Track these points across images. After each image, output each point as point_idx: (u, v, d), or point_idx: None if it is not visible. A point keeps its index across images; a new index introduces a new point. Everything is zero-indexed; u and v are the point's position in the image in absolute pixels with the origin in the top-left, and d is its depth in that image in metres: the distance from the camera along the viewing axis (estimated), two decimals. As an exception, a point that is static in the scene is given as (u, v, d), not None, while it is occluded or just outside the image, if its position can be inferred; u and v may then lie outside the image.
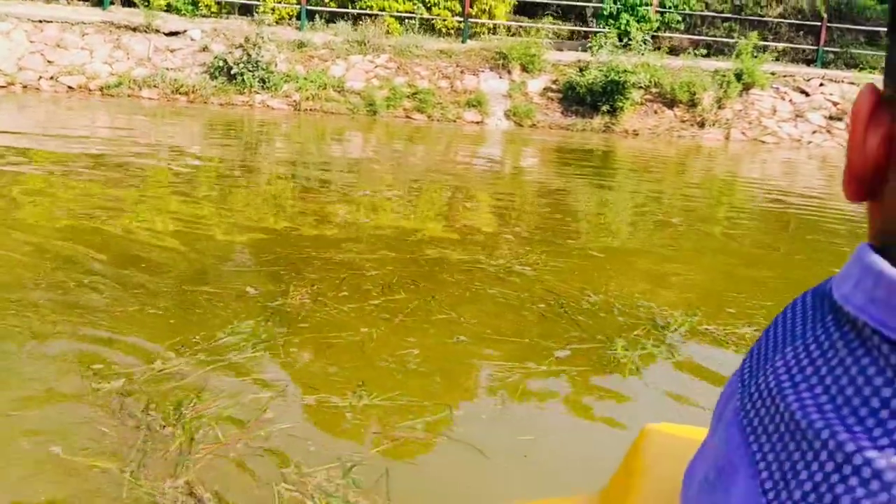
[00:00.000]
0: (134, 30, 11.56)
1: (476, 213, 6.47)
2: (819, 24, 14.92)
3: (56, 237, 4.83)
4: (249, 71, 11.42)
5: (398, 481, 2.46)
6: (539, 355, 3.48)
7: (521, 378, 3.24)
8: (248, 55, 11.43)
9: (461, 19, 14.62)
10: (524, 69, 13.69)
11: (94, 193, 6.06)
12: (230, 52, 11.50)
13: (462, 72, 13.51)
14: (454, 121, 12.63)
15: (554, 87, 13.65)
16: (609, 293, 4.38)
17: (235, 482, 2.52)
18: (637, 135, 12.96)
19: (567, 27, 16.30)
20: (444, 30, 14.72)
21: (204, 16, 13.04)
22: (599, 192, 7.99)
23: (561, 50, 14.96)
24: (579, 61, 13.73)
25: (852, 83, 13.91)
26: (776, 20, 15.13)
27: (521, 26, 15.60)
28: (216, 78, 11.46)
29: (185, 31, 11.86)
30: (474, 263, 4.80)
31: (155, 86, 11.06)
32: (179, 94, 11.15)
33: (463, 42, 14.29)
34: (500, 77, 13.58)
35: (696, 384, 3.32)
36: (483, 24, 15.07)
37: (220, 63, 11.45)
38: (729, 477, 0.27)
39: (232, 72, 11.37)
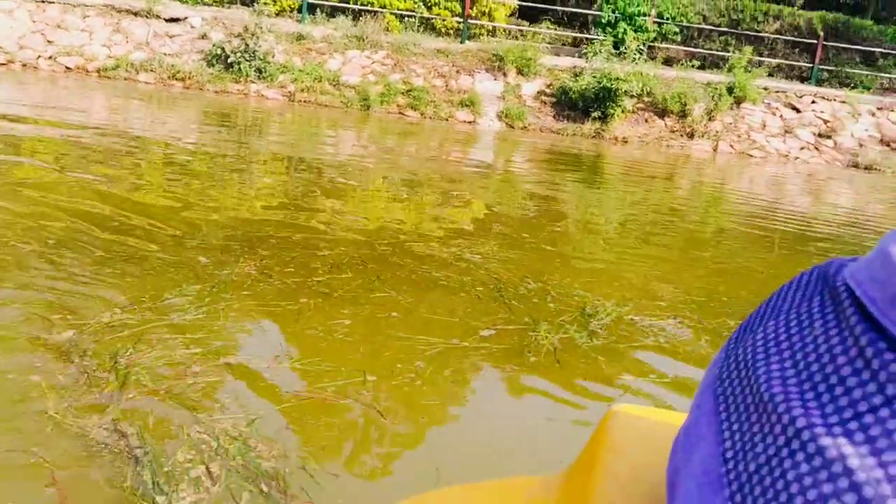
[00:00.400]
0: (135, 14, 11.81)
1: (444, 205, 6.67)
2: (815, 41, 15.08)
3: (38, 199, 5.06)
4: (246, 60, 11.65)
5: (297, 433, 2.67)
6: (464, 333, 3.68)
7: (441, 352, 3.43)
8: (246, 45, 11.66)
9: (461, 20, 14.84)
10: (519, 72, 13.90)
11: (81, 161, 6.29)
12: (228, 41, 11.73)
13: (458, 72, 13.72)
14: (446, 119, 12.84)
15: (548, 91, 13.85)
16: (548, 282, 4.57)
17: (155, 422, 2.73)
18: (626, 142, 13.14)
19: (568, 33, 16.49)
20: (443, 30, 14.94)
21: (206, 4, 13.29)
22: (574, 192, 8.18)
23: (559, 55, 15.17)
24: (575, 67, 13.93)
25: (843, 101, 14.08)
26: (772, 36, 15.29)
27: (520, 30, 15.81)
28: (213, 66, 11.69)
29: (185, 17, 12.10)
30: (427, 250, 5.00)
31: (152, 70, 11.31)
32: (175, 79, 11.39)
33: (461, 43, 14.51)
34: (495, 79, 13.79)
35: (607, 368, 3.51)
36: (482, 27, 15.29)
37: (218, 51, 11.69)
38: (695, 441, 0.28)
39: (229, 60, 11.61)
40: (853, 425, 0.22)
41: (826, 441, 0.22)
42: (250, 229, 4.99)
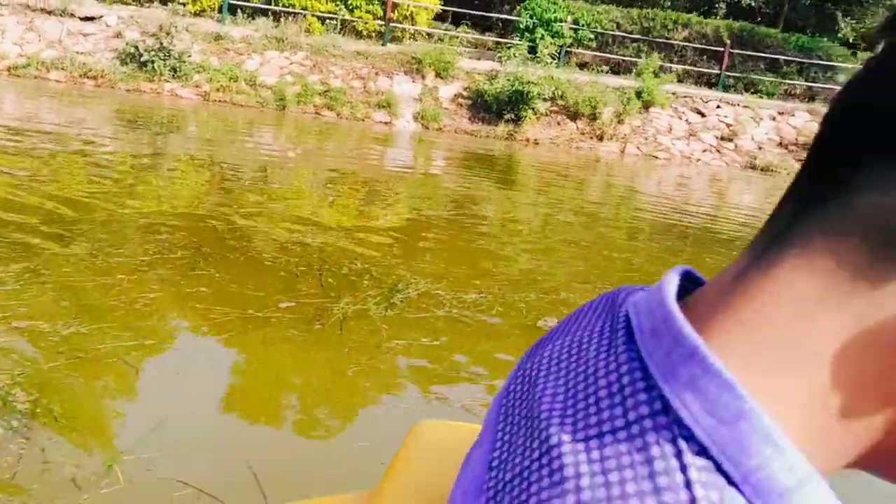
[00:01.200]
0: (49, 13, 11.95)
1: (312, 195, 7.00)
2: (722, 49, 15.80)
3: None
4: (161, 59, 11.85)
5: (58, 385, 2.99)
6: (265, 305, 4.02)
7: (231, 320, 3.77)
8: (161, 44, 11.87)
9: (382, 23, 15.21)
10: (438, 75, 14.32)
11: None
12: (143, 40, 11.93)
13: (377, 74, 14.09)
14: (363, 120, 13.19)
15: (465, 93, 14.30)
16: (374, 263, 4.94)
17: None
18: (538, 144, 13.64)
19: (489, 38, 16.98)
20: (365, 32, 15.30)
21: (124, 3, 13.45)
22: (463, 184, 8.58)
23: (480, 59, 15.65)
24: (492, 71, 14.40)
25: (746, 106, 14.79)
26: (682, 43, 15.97)
27: (443, 33, 16.25)
28: (127, 64, 11.87)
29: (101, 16, 12.27)
30: (271, 234, 5.34)
31: (63, 68, 11.45)
32: (87, 77, 11.55)
33: (383, 45, 14.89)
34: (414, 81, 14.19)
35: (385, 334, 3.88)
36: (405, 30, 15.69)
37: (132, 49, 11.87)
38: (475, 449, 0.29)
39: (143, 59, 11.80)
40: (594, 444, 0.23)
41: (568, 459, 0.23)
42: (95, 213, 5.28)
